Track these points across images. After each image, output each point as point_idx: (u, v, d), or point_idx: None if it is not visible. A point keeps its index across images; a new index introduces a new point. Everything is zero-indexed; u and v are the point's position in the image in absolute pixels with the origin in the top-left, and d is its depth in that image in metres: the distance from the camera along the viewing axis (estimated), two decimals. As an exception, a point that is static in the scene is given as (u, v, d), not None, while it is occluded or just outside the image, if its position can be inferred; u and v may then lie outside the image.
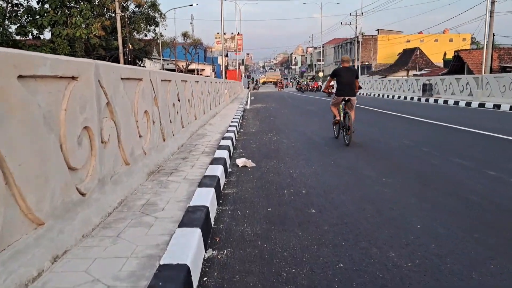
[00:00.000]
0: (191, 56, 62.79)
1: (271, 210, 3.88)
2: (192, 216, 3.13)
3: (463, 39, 56.41)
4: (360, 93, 35.76)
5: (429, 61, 49.51)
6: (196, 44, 64.93)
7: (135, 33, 36.45)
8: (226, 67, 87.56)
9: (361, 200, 4.12)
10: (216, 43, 78.96)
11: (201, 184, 4.14)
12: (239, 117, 12.59)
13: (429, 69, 41.74)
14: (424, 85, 23.29)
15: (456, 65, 30.34)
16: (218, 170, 4.76)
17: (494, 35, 26.06)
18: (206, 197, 3.65)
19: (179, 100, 7.06)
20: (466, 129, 9.56)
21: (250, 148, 7.53)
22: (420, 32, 59.65)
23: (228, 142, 6.97)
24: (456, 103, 19.07)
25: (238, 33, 71.07)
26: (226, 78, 71.17)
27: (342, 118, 7.65)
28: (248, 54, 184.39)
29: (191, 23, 77.80)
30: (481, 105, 17.07)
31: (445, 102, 20.09)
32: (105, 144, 3.41)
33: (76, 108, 2.86)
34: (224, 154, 5.88)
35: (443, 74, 31.68)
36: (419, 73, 39.69)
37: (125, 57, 26.02)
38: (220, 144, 6.81)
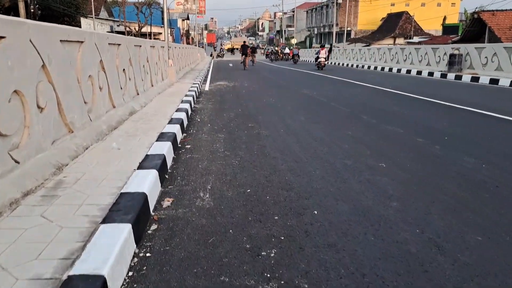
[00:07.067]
0: (144, 17, 53.88)
1: None
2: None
3: (452, 4, 50.59)
4: (343, 64, 29.27)
5: (419, 27, 43.42)
6: (151, 3, 55.94)
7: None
8: (188, 30, 78.70)
9: None
10: (176, 4, 69.86)
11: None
12: (179, 124, 5.53)
13: (426, 37, 35.38)
14: (452, 56, 16.90)
15: (473, 31, 24.08)
16: None
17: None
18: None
19: None
20: None
21: None
22: (405, -5, 53.17)
23: None
24: (519, 83, 12.84)
25: (201, -7, 62.59)
26: (205, 41, 65.01)
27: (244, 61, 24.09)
28: (212, 18, 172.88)
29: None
30: None
31: (493, 81, 13.84)
32: None
33: None
34: None
35: (453, 42, 25.50)
36: (417, 40, 33.27)
37: (28, 8, 17.64)
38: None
